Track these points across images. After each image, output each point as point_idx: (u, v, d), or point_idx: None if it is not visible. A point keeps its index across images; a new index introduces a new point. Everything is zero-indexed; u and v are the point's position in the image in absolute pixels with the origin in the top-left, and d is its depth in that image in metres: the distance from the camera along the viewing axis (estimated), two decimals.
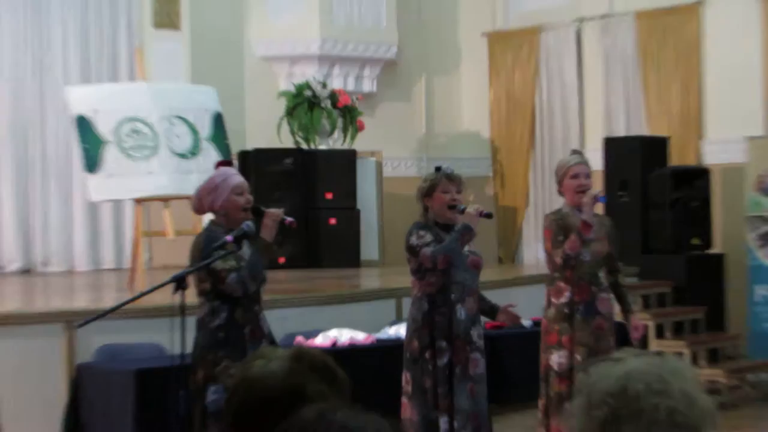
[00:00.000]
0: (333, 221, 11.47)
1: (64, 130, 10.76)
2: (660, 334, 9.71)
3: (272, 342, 5.34)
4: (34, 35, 11.34)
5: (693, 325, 10.05)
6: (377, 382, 6.62)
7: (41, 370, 6.74)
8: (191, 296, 5.01)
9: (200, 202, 5.34)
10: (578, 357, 6.09)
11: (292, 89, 11.91)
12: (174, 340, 4.77)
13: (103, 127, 8.94)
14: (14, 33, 11.24)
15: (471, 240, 5.83)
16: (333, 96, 11.87)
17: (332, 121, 11.88)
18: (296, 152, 11.59)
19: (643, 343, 8.12)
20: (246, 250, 5.14)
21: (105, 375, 6.58)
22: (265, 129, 11.79)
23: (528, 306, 7.40)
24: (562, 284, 6.21)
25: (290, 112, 11.83)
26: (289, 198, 10.85)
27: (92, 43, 11.60)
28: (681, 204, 10.46)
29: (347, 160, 11.66)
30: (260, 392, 2.18)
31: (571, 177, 6.24)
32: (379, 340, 7.43)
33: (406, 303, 6.60)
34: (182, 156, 9.21)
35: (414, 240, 5.82)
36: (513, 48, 12.75)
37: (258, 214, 5.27)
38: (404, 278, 6.45)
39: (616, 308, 6.43)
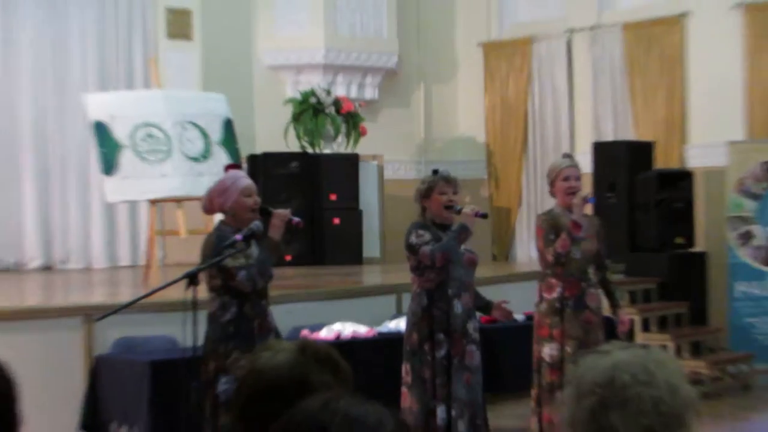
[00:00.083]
0: (337, 221, 11.45)
1: (83, 135, 10.74)
2: (646, 327, 9.70)
3: (277, 335, 5.33)
4: (55, 45, 11.33)
5: (677, 320, 10.04)
6: (378, 373, 6.62)
7: (61, 362, 6.74)
8: (203, 292, 5.01)
9: (210, 203, 5.33)
10: (568, 349, 6.08)
11: (298, 96, 11.90)
12: (186, 333, 4.77)
13: (120, 132, 8.94)
14: (36, 43, 11.23)
15: (468, 239, 5.83)
16: (337, 103, 11.86)
17: (336, 127, 11.87)
18: (302, 156, 11.58)
19: (630, 336, 8.10)
20: (254, 249, 5.13)
21: (121, 366, 6.57)
22: (272, 134, 11.79)
23: (521, 301, 7.39)
24: (553, 280, 6.20)
25: (296, 118, 11.83)
26: (295, 199, 10.85)
27: (109, 52, 11.60)
28: (665, 205, 10.45)
29: (350, 163, 11.65)
30: (268, 382, 2.18)
31: (562, 179, 6.24)
32: (380, 333, 7.42)
33: (406, 298, 6.60)
34: (194, 159, 9.20)
35: (413, 239, 5.82)
36: (507, 57, 12.74)
37: (266, 215, 5.27)
38: (404, 275, 6.45)
39: (605, 303, 6.43)
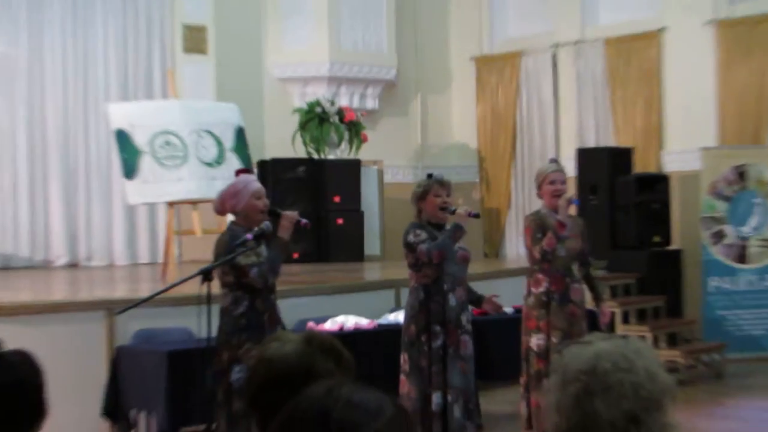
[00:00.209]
0: (340, 221, 11.45)
1: (106, 141, 10.75)
2: (626, 319, 9.70)
3: (282, 327, 5.32)
4: (79, 58, 11.34)
5: (654, 312, 10.03)
6: (379, 362, 6.62)
7: (85, 352, 6.73)
8: (216, 287, 5.00)
9: (222, 205, 5.32)
10: (554, 339, 6.08)
11: (305, 106, 11.91)
12: (201, 325, 4.76)
13: (140, 139, 8.94)
14: (62, 56, 11.24)
15: (462, 237, 5.82)
16: (340, 112, 11.87)
17: (339, 135, 11.87)
18: (308, 161, 11.58)
19: (611, 328, 8.10)
20: (263, 248, 5.13)
21: (141, 356, 6.56)
22: (281, 141, 11.79)
23: (510, 295, 7.38)
24: (540, 276, 6.20)
25: (303, 127, 11.83)
26: (301, 201, 10.85)
27: (130, 64, 11.60)
28: (644, 206, 10.45)
29: (353, 168, 11.65)
30: (276, 371, 2.18)
31: (548, 183, 6.24)
32: (380, 325, 7.41)
33: (404, 292, 6.60)
34: (209, 165, 9.20)
35: (411, 238, 5.81)
36: (497, 70, 12.75)
37: (274, 216, 5.26)
38: (402, 271, 6.44)
39: (588, 297, 6.42)
